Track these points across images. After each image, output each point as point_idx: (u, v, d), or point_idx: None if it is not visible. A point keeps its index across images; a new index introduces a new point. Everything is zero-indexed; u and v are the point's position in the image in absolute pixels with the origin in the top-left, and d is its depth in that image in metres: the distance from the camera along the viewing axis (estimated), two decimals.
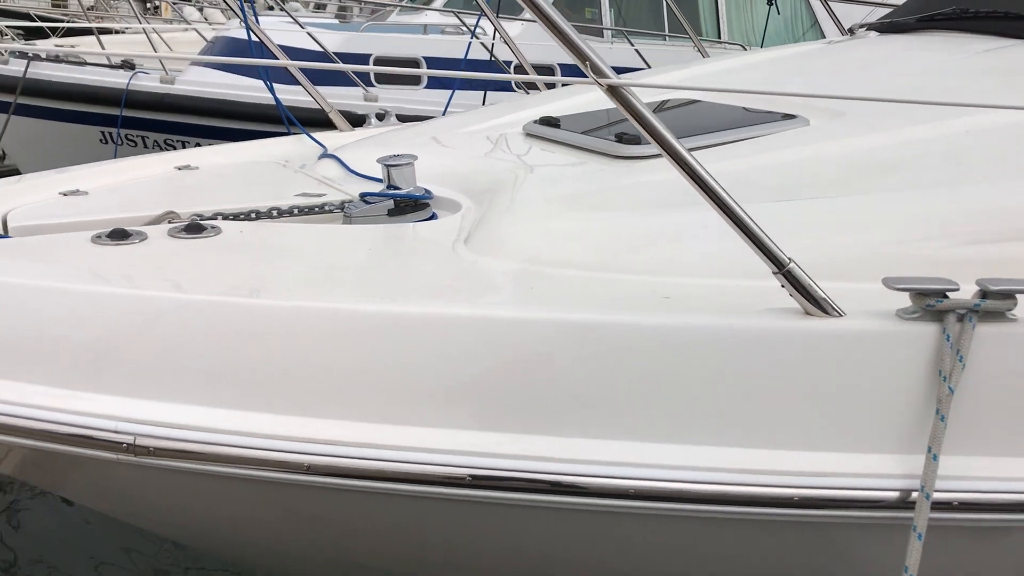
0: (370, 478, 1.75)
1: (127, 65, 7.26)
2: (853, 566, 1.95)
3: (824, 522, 1.82)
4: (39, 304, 1.79)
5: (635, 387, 1.76)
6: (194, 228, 2.12)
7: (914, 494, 1.73)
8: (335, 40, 7.68)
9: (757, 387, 1.76)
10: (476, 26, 5.19)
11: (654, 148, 1.68)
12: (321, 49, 6.94)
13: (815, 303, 1.72)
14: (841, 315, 1.74)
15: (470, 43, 5.06)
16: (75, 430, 1.72)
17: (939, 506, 1.75)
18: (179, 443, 1.73)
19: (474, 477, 1.74)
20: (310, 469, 1.73)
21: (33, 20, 12.04)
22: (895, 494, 1.76)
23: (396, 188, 2.47)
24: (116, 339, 1.76)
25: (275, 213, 2.47)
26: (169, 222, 2.28)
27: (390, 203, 2.44)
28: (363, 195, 2.50)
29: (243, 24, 3.47)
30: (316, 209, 2.51)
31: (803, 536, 1.87)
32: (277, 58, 3.73)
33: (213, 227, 2.15)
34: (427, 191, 2.48)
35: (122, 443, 1.72)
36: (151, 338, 1.76)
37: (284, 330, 1.77)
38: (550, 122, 2.82)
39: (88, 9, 11.80)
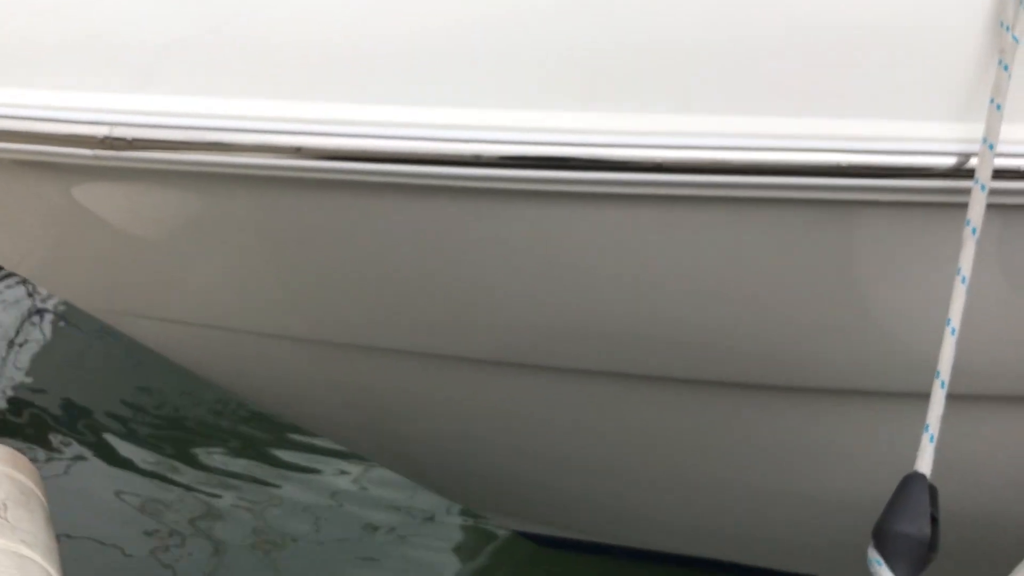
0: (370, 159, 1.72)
1: None
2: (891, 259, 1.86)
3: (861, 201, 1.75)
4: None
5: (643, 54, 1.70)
6: None
7: (974, 153, 1.65)
8: None
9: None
10: None
11: None
12: None
13: None
14: None
15: None
16: (44, 127, 1.67)
17: (1001, 174, 1.65)
18: (161, 131, 1.68)
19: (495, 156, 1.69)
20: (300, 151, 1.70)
21: None
22: (951, 160, 1.68)
23: None
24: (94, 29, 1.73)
25: None
26: None
27: None
28: None
29: None
30: None
31: (846, 218, 1.80)
32: None
33: None
34: None
35: (97, 136, 1.65)
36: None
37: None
38: None
39: None
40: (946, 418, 2.13)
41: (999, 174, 1.68)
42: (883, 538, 1.57)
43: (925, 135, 1.72)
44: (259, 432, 4.35)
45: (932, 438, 1.63)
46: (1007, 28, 1.64)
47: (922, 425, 1.66)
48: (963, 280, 1.66)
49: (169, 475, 4.03)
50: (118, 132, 1.71)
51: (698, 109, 1.73)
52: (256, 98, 1.76)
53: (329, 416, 2.74)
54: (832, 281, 1.93)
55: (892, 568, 1.54)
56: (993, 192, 1.68)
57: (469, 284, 2.03)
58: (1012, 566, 1.94)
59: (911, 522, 1.56)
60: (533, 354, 2.19)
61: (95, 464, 4.10)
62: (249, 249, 2.06)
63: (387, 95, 1.75)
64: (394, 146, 1.73)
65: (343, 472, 4.12)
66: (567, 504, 2.90)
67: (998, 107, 1.67)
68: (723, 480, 2.48)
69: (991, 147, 1.66)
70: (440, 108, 1.75)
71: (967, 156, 1.69)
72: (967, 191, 1.68)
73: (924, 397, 1.69)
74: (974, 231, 1.68)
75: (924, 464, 1.63)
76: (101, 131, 1.70)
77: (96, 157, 1.74)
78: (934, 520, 1.60)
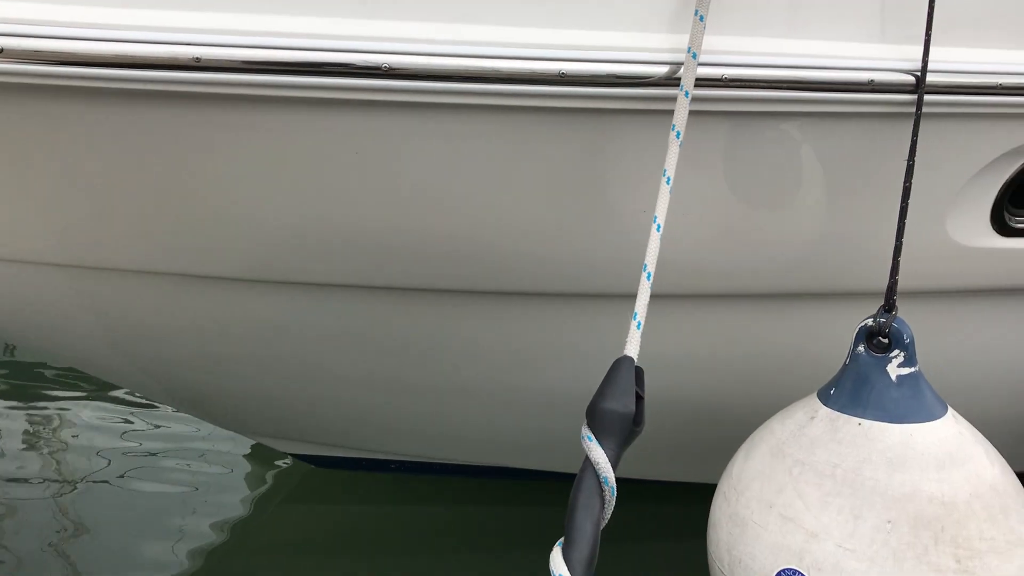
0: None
1: None
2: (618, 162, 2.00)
3: (585, 109, 1.86)
4: None
5: None
6: None
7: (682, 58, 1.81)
8: None
9: None
10: None
11: None
12: None
13: None
14: None
15: None
16: None
17: (706, 82, 1.82)
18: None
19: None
20: None
21: None
22: (664, 68, 1.82)
23: None
24: None
25: None
26: None
27: None
28: None
29: None
30: None
31: (564, 127, 1.90)
32: None
33: None
34: None
35: None
36: None
37: None
38: None
39: None
40: (670, 313, 2.34)
41: (703, 82, 1.83)
42: (593, 415, 1.65)
43: (638, 45, 1.85)
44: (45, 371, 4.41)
45: (639, 325, 1.73)
46: None
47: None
48: (668, 181, 1.79)
49: None
50: None
51: (409, 16, 1.79)
52: None
53: (94, 348, 2.67)
54: (549, 188, 2.04)
55: (601, 442, 1.60)
56: (697, 99, 1.82)
57: (205, 199, 2.01)
58: (732, 452, 2.16)
59: (617, 399, 1.64)
60: (277, 270, 2.21)
61: None
62: None
63: None
64: (106, 49, 1.69)
65: (127, 408, 4.29)
66: (333, 422, 2.99)
67: (701, 18, 1.81)
68: (469, 384, 2.63)
69: (694, 56, 1.80)
70: (157, 11, 1.73)
71: (678, 65, 1.83)
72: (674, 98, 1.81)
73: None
74: (679, 135, 1.80)
75: (632, 348, 1.73)
76: None
77: None
78: (640, 399, 1.69)
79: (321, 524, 3.57)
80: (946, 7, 1.94)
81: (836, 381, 2.04)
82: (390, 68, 1.74)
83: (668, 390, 2.57)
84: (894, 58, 1.94)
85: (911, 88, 1.93)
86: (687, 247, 2.18)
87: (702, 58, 1.80)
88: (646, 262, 1.75)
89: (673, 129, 1.78)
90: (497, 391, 2.63)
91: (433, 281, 2.26)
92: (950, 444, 1.92)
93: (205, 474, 3.85)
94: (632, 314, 1.75)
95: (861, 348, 2.00)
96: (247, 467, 3.91)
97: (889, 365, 1.96)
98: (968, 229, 2.30)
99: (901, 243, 1.96)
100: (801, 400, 2.11)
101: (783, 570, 1.89)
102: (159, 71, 1.72)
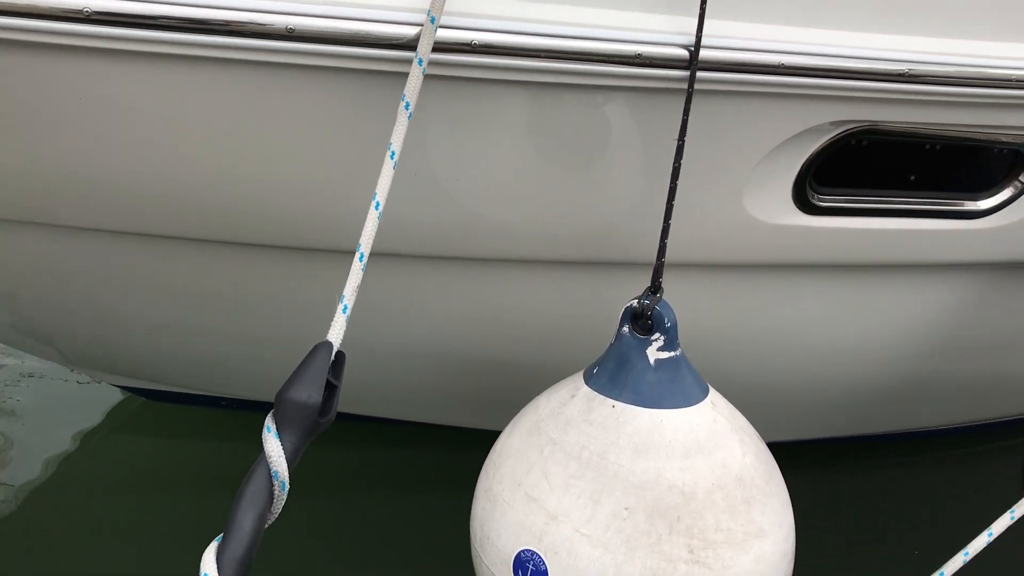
0: None
1: None
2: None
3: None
4: None
5: None
6: None
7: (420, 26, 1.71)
8: None
9: None
10: None
11: None
12: None
13: None
14: None
15: None
16: None
17: (450, 47, 1.74)
18: None
19: None
20: None
21: None
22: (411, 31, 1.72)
23: None
24: None
25: None
26: None
27: None
28: None
29: None
30: None
31: (298, 82, 1.81)
32: None
33: None
34: None
35: None
36: None
37: None
38: None
39: None
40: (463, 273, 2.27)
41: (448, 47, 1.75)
42: (277, 404, 1.53)
43: (385, 3, 1.74)
44: None
45: (345, 309, 1.62)
46: None
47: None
48: (392, 156, 1.66)
49: None
50: None
51: None
52: None
53: None
54: (289, 143, 1.95)
55: (281, 433, 1.49)
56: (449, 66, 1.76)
57: None
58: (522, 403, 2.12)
59: (303, 389, 1.51)
60: (37, 213, 2.13)
61: None
62: None
63: None
64: None
65: None
66: (144, 359, 2.92)
67: None
68: (250, 331, 2.58)
69: (433, 20, 1.69)
70: None
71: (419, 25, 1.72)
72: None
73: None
74: (408, 106, 1.67)
75: (335, 334, 1.60)
76: None
77: None
78: (334, 388, 1.58)
79: (150, 459, 3.51)
80: None
81: (601, 360, 1.99)
82: (91, 13, 1.61)
83: (466, 345, 2.54)
84: (666, 30, 1.84)
85: (684, 64, 1.84)
86: (474, 212, 2.11)
87: (448, 22, 1.70)
88: (360, 243, 1.63)
89: (403, 100, 1.65)
90: (279, 339, 2.56)
91: (182, 230, 2.17)
92: (701, 432, 1.88)
93: (35, 407, 3.76)
94: (340, 297, 1.63)
95: (626, 329, 1.95)
96: (84, 398, 3.84)
97: (649, 348, 1.91)
98: (768, 206, 2.25)
99: (668, 224, 1.90)
100: (572, 376, 2.06)
101: (523, 550, 1.86)
102: None
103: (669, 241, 2.25)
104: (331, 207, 2.05)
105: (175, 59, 1.72)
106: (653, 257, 2.04)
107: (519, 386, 2.51)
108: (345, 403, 3.13)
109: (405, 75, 1.68)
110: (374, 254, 2.29)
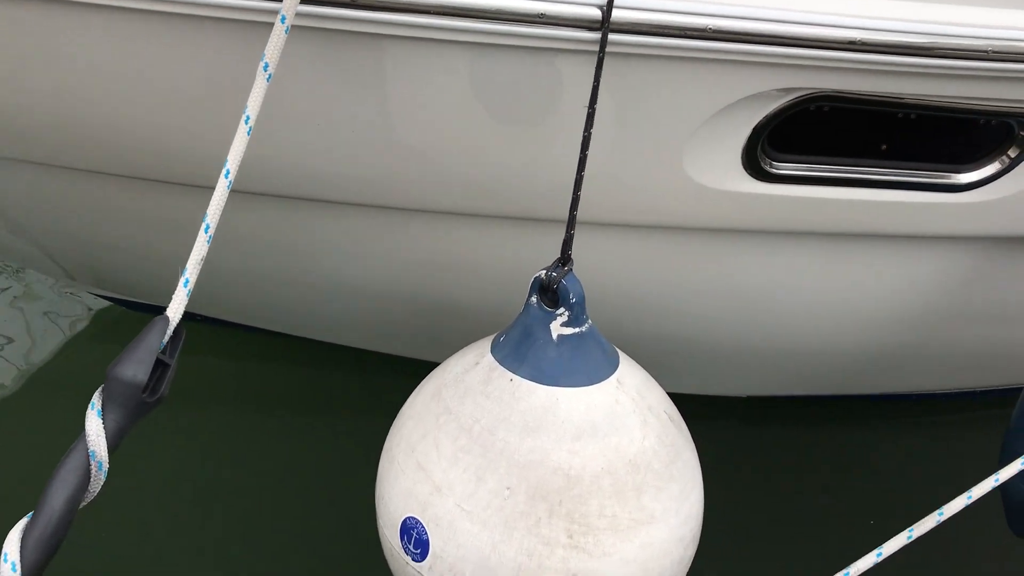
0: None
1: None
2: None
3: None
4: None
5: None
6: None
7: None
8: None
9: None
10: None
11: None
12: None
13: None
14: None
15: None
16: None
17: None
18: None
19: None
20: None
21: None
22: None
23: None
24: None
25: None
26: None
27: None
28: None
29: None
30: None
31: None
32: None
33: None
34: None
35: None
36: None
37: None
38: None
39: None
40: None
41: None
42: (106, 381, 1.46)
43: None
44: None
45: (187, 283, 1.54)
46: None
47: None
48: (247, 120, 1.56)
49: None
50: None
51: None
52: None
53: None
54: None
55: (105, 410, 1.43)
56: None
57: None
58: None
59: (130, 366, 1.44)
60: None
61: None
62: None
63: None
64: None
65: None
66: (125, 274, 2.98)
67: None
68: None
69: None
70: None
71: None
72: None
73: None
74: (266, 67, 1.58)
75: (174, 309, 1.52)
76: None
77: None
78: (165, 366, 1.50)
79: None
80: None
81: (508, 329, 1.92)
82: None
83: (405, 287, 2.51)
84: None
85: (596, 25, 1.70)
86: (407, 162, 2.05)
87: None
88: (207, 213, 1.53)
89: (262, 60, 1.53)
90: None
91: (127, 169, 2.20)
92: (598, 413, 1.82)
93: (19, 319, 3.88)
94: (182, 270, 1.54)
95: (534, 299, 1.87)
96: (67, 308, 3.97)
97: (553, 323, 1.84)
98: (713, 172, 2.13)
99: (578, 196, 1.79)
100: (482, 340, 2.00)
101: (408, 517, 1.84)
102: None
103: (608, 203, 2.15)
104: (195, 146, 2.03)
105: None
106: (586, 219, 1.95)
107: (460, 327, 2.49)
108: (276, 323, 3.23)
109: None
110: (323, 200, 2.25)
